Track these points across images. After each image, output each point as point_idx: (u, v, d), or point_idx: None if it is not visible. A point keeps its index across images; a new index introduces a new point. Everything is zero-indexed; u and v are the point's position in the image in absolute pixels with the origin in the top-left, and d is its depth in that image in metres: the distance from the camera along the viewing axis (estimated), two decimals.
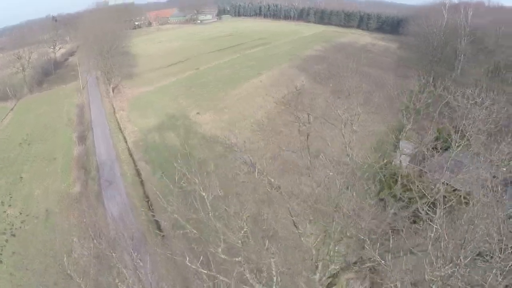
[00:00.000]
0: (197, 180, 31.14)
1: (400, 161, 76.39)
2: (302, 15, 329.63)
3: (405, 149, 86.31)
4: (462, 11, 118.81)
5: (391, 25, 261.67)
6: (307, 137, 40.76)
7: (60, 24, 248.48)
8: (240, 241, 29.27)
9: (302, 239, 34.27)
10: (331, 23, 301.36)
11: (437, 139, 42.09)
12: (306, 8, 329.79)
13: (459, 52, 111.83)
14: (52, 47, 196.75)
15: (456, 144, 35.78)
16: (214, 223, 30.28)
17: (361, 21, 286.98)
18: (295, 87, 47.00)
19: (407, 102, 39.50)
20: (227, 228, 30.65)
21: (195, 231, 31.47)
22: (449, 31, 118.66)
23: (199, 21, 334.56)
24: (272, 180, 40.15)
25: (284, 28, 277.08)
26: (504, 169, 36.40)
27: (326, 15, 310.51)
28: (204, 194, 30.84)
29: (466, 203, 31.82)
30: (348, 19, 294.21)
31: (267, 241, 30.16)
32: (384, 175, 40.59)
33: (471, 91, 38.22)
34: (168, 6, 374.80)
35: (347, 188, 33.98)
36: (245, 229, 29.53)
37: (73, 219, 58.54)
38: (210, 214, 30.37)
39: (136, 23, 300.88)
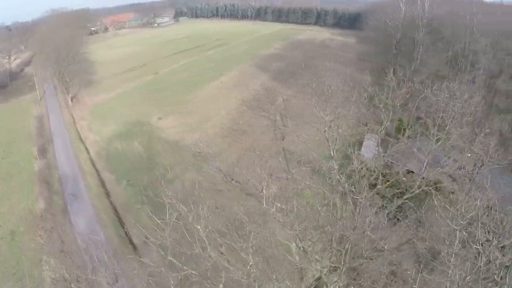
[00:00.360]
0: (190, 215, 29.20)
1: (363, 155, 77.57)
2: (259, 14, 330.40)
3: (369, 142, 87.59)
4: (419, 2, 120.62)
5: (348, 20, 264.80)
6: (283, 140, 39.92)
7: (14, 34, 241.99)
8: (245, 276, 27.36)
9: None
10: (289, 21, 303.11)
11: (398, 129, 42.39)
12: (263, 7, 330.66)
13: (417, 43, 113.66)
14: (7, 58, 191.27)
15: (436, 137, 36.24)
16: (214, 259, 28.32)
17: (319, 18, 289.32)
18: (283, 98, 46.07)
19: (385, 99, 39.42)
20: (229, 262, 28.86)
21: (194, 272, 28.88)
22: (407, 23, 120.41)
23: (156, 25, 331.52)
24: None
25: (242, 28, 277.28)
26: (469, 154, 37.29)
27: (284, 13, 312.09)
28: (198, 227, 28.68)
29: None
30: (306, 16, 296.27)
31: (250, 256, 28.37)
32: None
33: (450, 84, 38.91)
34: (124, 10, 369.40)
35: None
36: (251, 263, 27.61)
37: (39, 238, 56.43)
38: (208, 250, 28.37)
39: (93, 29, 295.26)
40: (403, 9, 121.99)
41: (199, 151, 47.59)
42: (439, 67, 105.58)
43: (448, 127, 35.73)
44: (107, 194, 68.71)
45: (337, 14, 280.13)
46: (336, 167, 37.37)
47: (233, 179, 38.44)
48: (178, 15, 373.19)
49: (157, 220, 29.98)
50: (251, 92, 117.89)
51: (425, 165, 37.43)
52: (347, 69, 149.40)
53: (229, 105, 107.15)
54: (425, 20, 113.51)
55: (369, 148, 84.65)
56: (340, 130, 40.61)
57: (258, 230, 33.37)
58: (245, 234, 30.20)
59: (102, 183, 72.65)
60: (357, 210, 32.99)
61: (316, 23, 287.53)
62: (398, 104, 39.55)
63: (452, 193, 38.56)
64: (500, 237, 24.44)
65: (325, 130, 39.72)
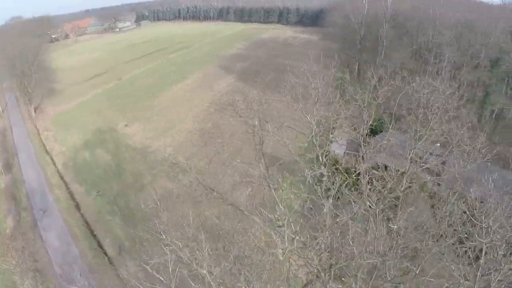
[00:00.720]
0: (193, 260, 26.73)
1: (334, 151, 78.18)
2: (221, 15, 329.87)
3: (340, 139, 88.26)
4: None
5: (311, 18, 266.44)
6: (262, 145, 38.92)
7: None
8: None
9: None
10: (251, 20, 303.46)
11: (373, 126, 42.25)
12: (226, 7, 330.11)
13: (381, 38, 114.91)
14: None
15: (419, 134, 36.49)
16: None
17: (281, 16, 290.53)
18: (260, 101, 44.71)
19: (369, 99, 39.33)
20: None
21: None
22: (371, 18, 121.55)
23: (117, 29, 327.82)
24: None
25: (204, 29, 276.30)
26: (438, 144, 37.81)
27: (246, 13, 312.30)
28: (205, 272, 26.33)
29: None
30: (268, 15, 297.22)
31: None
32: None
33: (432, 79, 39.27)
34: (85, 16, 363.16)
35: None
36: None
37: (11, 258, 54.77)
38: None
39: (53, 36, 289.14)
40: (366, 5, 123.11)
41: (175, 162, 47.08)
42: (404, 60, 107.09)
43: (431, 123, 36.02)
44: (77, 207, 67.50)
45: (299, 12, 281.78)
46: (326, 173, 37.29)
47: (214, 190, 37.84)
48: (139, 19, 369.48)
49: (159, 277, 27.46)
50: (216, 94, 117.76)
51: (409, 162, 37.59)
52: (314, 67, 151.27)
53: (195, 108, 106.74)
54: (388, 15, 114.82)
55: (338, 144, 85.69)
56: (332, 135, 40.37)
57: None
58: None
59: (71, 195, 71.39)
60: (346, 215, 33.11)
61: (278, 22, 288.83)
62: (381, 102, 39.67)
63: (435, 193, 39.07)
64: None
65: (313, 136, 39.31)
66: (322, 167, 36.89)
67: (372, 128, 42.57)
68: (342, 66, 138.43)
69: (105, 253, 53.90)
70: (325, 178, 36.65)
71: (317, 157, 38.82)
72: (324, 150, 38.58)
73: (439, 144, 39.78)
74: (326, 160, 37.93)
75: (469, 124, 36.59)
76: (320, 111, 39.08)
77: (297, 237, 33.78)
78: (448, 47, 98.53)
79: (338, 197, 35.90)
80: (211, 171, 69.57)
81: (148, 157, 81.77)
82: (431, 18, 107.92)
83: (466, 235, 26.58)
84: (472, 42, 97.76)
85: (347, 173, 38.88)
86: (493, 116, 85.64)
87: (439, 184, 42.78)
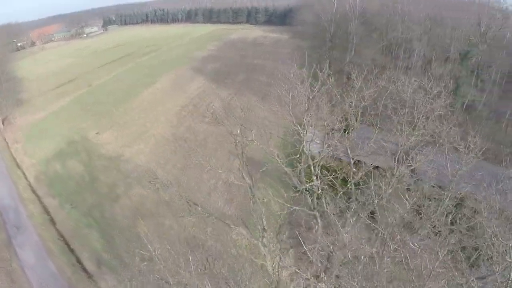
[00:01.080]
0: None
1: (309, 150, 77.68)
2: (190, 17, 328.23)
3: (313, 137, 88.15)
4: None
5: (279, 17, 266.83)
6: (243, 153, 37.48)
7: None
8: None
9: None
10: (220, 21, 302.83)
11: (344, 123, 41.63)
12: (194, 9, 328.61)
13: (351, 35, 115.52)
14: None
15: (406, 133, 36.22)
16: None
17: (250, 16, 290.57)
18: (241, 109, 43.67)
19: (356, 102, 38.66)
20: None
21: None
22: (340, 16, 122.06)
23: (85, 35, 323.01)
24: None
25: (173, 32, 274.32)
26: (412, 138, 37.68)
27: (214, 13, 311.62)
28: None
29: None
30: (236, 16, 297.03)
31: None
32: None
33: (419, 80, 39.11)
34: (50, 22, 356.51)
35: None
36: None
37: None
38: None
39: (19, 44, 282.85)
40: (335, 2, 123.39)
41: (155, 177, 46.27)
42: (375, 56, 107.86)
43: (418, 122, 35.88)
44: (52, 221, 65.58)
45: (268, 11, 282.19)
46: (320, 186, 36.77)
47: (197, 204, 36.79)
48: (107, 23, 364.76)
49: None
50: (188, 96, 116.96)
51: (396, 162, 37.32)
52: (281, 65, 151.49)
53: (168, 112, 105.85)
54: (357, 12, 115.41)
55: (314, 142, 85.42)
56: (326, 146, 39.76)
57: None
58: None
59: (45, 210, 69.34)
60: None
61: (247, 22, 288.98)
62: (366, 104, 39.37)
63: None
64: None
65: (303, 145, 38.54)
66: (315, 178, 36.25)
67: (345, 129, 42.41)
68: (313, 64, 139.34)
69: (84, 269, 52.69)
70: (318, 190, 36.24)
71: (309, 167, 38.41)
72: (317, 161, 38.31)
73: (413, 137, 39.60)
74: (319, 171, 37.32)
75: (456, 122, 36.50)
76: (310, 119, 38.45)
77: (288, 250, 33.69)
78: (418, 42, 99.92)
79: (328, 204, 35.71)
80: (187, 178, 68.97)
81: (122, 166, 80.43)
82: (400, 14, 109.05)
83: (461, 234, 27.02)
84: (441, 36, 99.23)
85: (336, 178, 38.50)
86: (463, 107, 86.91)
87: (433, 186, 42.86)
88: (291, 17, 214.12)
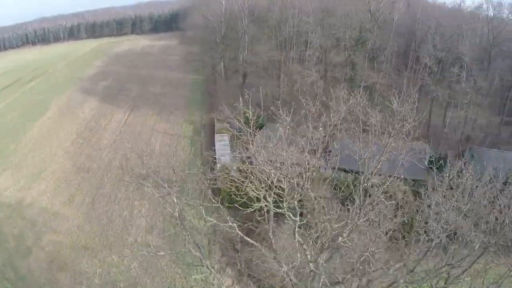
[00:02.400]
0: None
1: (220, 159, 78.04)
2: (72, 33, 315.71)
3: (223, 145, 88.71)
4: None
5: (165, 23, 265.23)
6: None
7: None
8: None
9: None
10: (104, 34, 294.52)
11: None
12: (76, 25, 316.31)
13: (242, 34, 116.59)
14: None
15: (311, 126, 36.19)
16: None
17: (134, 26, 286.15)
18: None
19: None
20: None
21: None
22: (229, 16, 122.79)
23: None
24: None
25: (57, 52, 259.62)
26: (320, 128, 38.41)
27: (97, 27, 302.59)
28: None
29: None
30: (121, 27, 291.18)
31: None
32: None
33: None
34: None
35: None
36: None
37: None
38: None
39: None
40: (223, 2, 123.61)
41: None
42: (270, 53, 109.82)
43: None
44: None
45: (152, 18, 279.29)
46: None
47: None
48: None
49: None
50: (83, 121, 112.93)
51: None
52: (174, 73, 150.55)
53: (63, 143, 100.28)
54: (246, 10, 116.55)
55: (222, 150, 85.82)
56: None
57: None
58: None
59: None
60: None
61: (132, 32, 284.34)
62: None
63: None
64: None
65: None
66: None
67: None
68: (206, 68, 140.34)
69: None
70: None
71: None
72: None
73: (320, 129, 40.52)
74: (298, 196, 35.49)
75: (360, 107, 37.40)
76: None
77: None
78: (312, 34, 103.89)
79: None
80: (96, 213, 67.25)
81: (26, 213, 73.99)
82: (291, 8, 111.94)
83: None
84: (335, 26, 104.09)
85: None
86: (366, 92, 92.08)
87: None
88: (178, 22, 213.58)
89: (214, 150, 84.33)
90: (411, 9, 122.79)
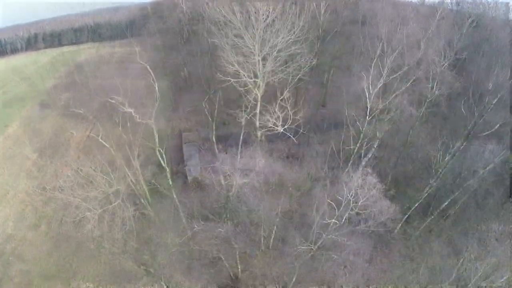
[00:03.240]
0: None
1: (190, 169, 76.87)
2: (30, 44, 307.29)
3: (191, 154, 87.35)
4: None
5: (125, 29, 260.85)
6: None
7: None
8: None
9: None
10: (62, 43, 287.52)
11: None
12: (33, 35, 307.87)
13: (206, 34, 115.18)
14: None
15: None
16: None
17: (93, 33, 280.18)
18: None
19: None
20: None
21: None
22: (189, 18, 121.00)
23: None
24: None
25: (15, 63, 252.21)
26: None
27: (56, 36, 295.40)
28: None
29: None
30: (79, 35, 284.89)
31: None
32: None
33: None
34: None
35: None
36: None
37: None
38: None
39: None
40: (184, 6, 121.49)
41: None
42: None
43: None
44: None
45: (112, 25, 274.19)
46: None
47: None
48: None
49: None
50: (45, 138, 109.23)
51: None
52: (140, 80, 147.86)
53: (26, 162, 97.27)
54: (208, 9, 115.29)
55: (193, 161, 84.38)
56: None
57: None
58: None
59: None
60: None
61: (92, 40, 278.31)
62: None
63: None
64: None
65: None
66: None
67: None
68: (173, 73, 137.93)
69: None
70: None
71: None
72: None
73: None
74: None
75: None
76: None
77: None
78: None
79: None
80: (64, 236, 64.69)
81: None
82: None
83: None
84: None
85: None
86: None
87: None
88: (138, 27, 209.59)
89: (184, 161, 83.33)
90: None
